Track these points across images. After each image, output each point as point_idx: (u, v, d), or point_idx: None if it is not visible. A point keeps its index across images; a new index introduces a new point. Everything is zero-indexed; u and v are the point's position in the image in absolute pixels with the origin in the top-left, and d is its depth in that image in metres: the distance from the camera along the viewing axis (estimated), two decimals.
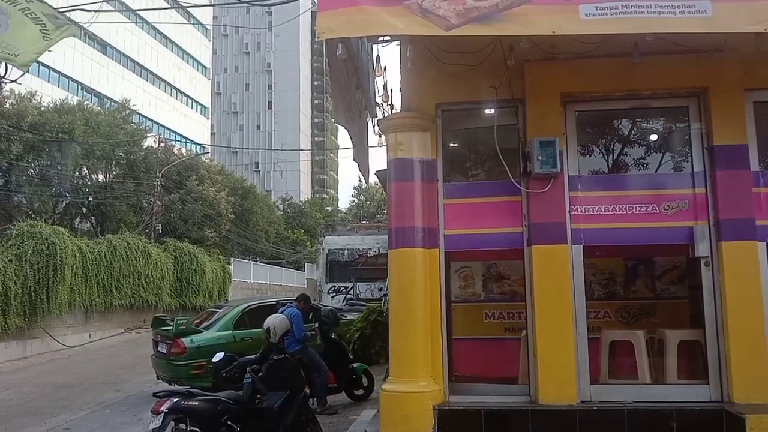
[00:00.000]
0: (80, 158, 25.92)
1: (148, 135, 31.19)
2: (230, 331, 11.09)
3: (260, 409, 6.87)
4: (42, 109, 26.11)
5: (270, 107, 78.17)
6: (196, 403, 6.08)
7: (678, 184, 5.40)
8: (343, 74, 5.61)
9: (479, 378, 6.15)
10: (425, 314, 5.30)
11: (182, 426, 5.91)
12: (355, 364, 9.49)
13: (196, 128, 55.09)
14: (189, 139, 50.18)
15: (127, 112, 32.21)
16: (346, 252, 22.99)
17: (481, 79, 5.41)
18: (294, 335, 9.06)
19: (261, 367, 7.31)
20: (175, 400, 5.95)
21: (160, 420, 5.77)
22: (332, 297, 22.15)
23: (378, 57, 6.33)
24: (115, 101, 35.60)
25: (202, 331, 11.45)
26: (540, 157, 5.18)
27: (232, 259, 30.64)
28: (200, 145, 50.71)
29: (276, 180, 71.75)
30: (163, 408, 5.83)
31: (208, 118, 61.82)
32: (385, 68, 6.40)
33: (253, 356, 7.74)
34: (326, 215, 57.14)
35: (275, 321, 7.41)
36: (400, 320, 5.32)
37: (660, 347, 5.51)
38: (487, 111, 5.62)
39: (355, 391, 9.43)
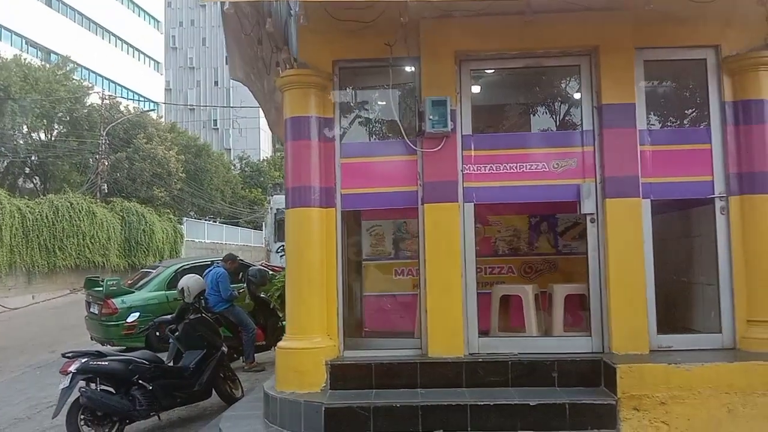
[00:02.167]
0: (18, 116, 24.97)
1: (92, 91, 30.13)
2: (163, 292, 11.07)
3: (175, 368, 6.93)
4: None
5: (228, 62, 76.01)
6: (106, 363, 6.10)
7: (568, 142, 5.48)
8: (239, 27, 5.48)
9: (388, 333, 6.31)
10: (321, 273, 5.35)
11: (93, 386, 5.95)
12: (284, 322, 9.59)
13: (150, 84, 53.37)
14: (142, 96, 48.74)
15: (69, 67, 30.99)
16: None
17: (378, 36, 5.34)
18: (220, 294, 9.12)
19: (177, 327, 7.36)
20: (84, 360, 5.96)
21: (68, 380, 5.78)
22: (281, 256, 22.12)
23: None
24: (61, 56, 34.21)
25: (133, 292, 11.40)
26: (431, 117, 5.20)
27: (185, 218, 30.29)
28: (154, 102, 49.37)
29: (235, 138, 70.41)
30: (72, 368, 5.85)
31: (162, 74, 59.97)
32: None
33: (168, 316, 7.76)
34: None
35: (190, 281, 7.42)
36: (296, 279, 5.38)
37: (551, 301, 5.69)
38: (386, 69, 5.58)
39: None
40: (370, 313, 6.73)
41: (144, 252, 24.99)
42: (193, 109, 70.38)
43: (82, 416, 5.77)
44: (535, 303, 5.60)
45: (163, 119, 39.50)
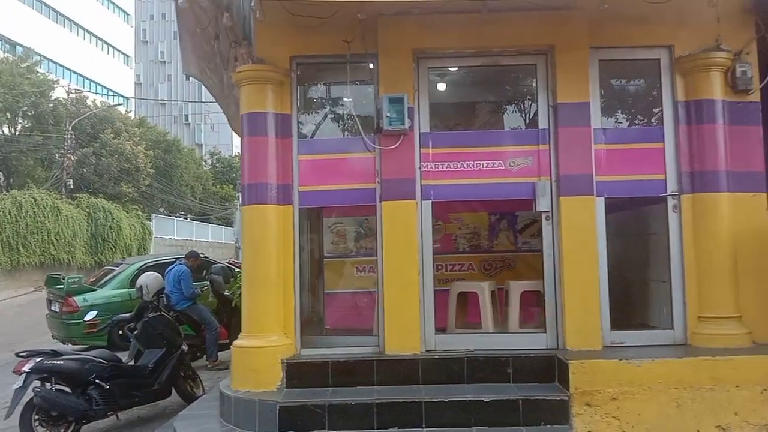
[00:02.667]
0: None
1: (57, 85, 29.48)
2: (126, 289, 10.89)
3: (133, 367, 6.84)
4: None
5: None
6: (61, 362, 5.99)
7: (524, 141, 5.52)
8: (194, 21, 5.41)
9: (349, 330, 6.30)
10: (277, 270, 5.32)
11: (48, 385, 5.83)
12: None
13: (119, 78, 52.40)
14: (111, 90, 47.85)
15: (34, 59, 30.27)
16: None
17: (336, 33, 5.32)
18: (182, 292, 9.02)
19: (136, 326, 7.26)
20: (39, 359, 5.84)
21: (22, 380, 5.66)
22: None
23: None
24: (25, 48, 33.38)
25: (95, 290, 11.22)
26: (389, 114, 5.19)
27: (154, 215, 29.87)
28: (123, 96, 48.49)
29: (207, 133, 69.45)
30: (26, 368, 5.72)
31: (132, 68, 58.95)
32: None
33: (127, 314, 7.65)
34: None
35: (148, 279, 7.32)
36: (252, 277, 5.34)
37: (508, 298, 5.74)
38: (344, 66, 5.55)
39: None
40: (331, 311, 6.70)
41: (111, 249, 24.59)
42: (164, 103, 69.38)
43: (36, 417, 5.66)
44: (491, 300, 5.65)
45: (132, 114, 38.78)
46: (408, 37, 5.36)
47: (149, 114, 55.08)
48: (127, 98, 51.38)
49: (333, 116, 6.07)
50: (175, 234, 31.05)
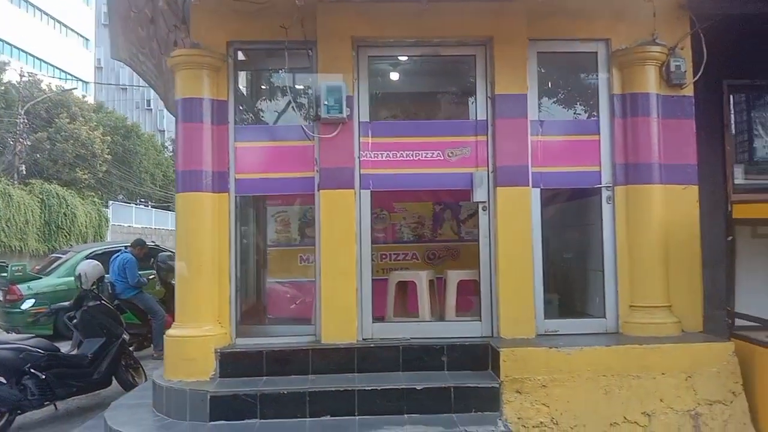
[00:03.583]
0: None
1: (9, 67, 28.50)
2: (72, 278, 10.63)
3: (72, 357, 6.71)
4: None
5: None
6: None
7: (462, 131, 5.53)
8: (127, 4, 5.27)
9: (290, 320, 6.28)
10: (212, 259, 5.25)
11: None
12: None
13: (78, 62, 50.97)
14: (70, 74, 46.53)
15: None
16: None
17: (274, 19, 5.24)
18: (128, 281, 8.88)
19: (76, 314, 7.12)
20: None
21: None
22: None
23: None
24: None
25: (40, 278, 10.98)
26: (327, 102, 5.15)
27: (111, 202, 29.23)
28: (83, 80, 47.24)
29: (169, 119, 68.06)
30: None
31: (91, 51, 57.34)
32: None
33: (66, 303, 7.50)
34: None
35: (87, 267, 7.17)
36: (186, 266, 5.25)
37: (446, 286, 5.78)
38: (282, 52, 5.48)
39: None
40: (274, 301, 6.67)
41: (65, 236, 23.97)
42: (126, 88, 67.71)
43: None
44: (429, 289, 5.68)
45: (90, 98, 37.76)
46: (347, 24, 5.31)
47: (110, 99, 53.78)
48: (87, 83, 50.06)
49: (272, 103, 5.99)
50: (133, 221, 30.43)
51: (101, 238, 26.04)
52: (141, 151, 36.57)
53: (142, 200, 36.46)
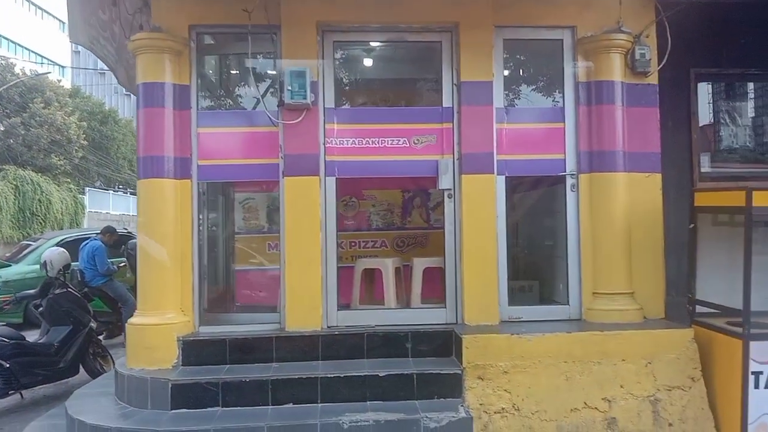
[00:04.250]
0: None
1: None
2: None
3: (38, 345, 6.65)
4: None
5: None
6: None
7: (429, 119, 5.50)
8: None
9: (257, 308, 6.24)
10: (175, 247, 5.19)
11: None
12: None
13: (55, 46, 49.99)
14: (46, 58, 45.65)
15: None
16: None
17: (237, 2, 5.15)
18: (97, 269, 8.78)
19: (42, 302, 7.05)
20: None
21: None
22: None
23: None
24: None
25: (10, 265, 10.83)
26: (290, 88, 5.09)
27: (87, 188, 28.83)
28: (60, 65, 46.37)
29: None
30: None
31: (68, 35, 56.21)
32: None
33: (32, 291, 7.42)
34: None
35: (53, 254, 7.09)
36: (148, 253, 5.19)
37: (412, 274, 5.78)
38: (246, 36, 5.40)
39: None
40: (242, 288, 6.63)
41: (40, 223, 23.62)
42: (104, 73, 66.53)
43: None
44: (396, 276, 5.67)
45: (66, 82, 37.05)
46: (312, 9, 5.25)
47: (88, 83, 52.81)
48: (63, 67, 49.13)
49: (236, 89, 5.92)
50: (111, 208, 30.07)
51: (77, 225, 25.71)
52: (119, 137, 35.99)
53: (121, 187, 35.96)
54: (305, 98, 5.12)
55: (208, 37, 5.49)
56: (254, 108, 5.59)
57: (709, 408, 4.82)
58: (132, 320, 5.20)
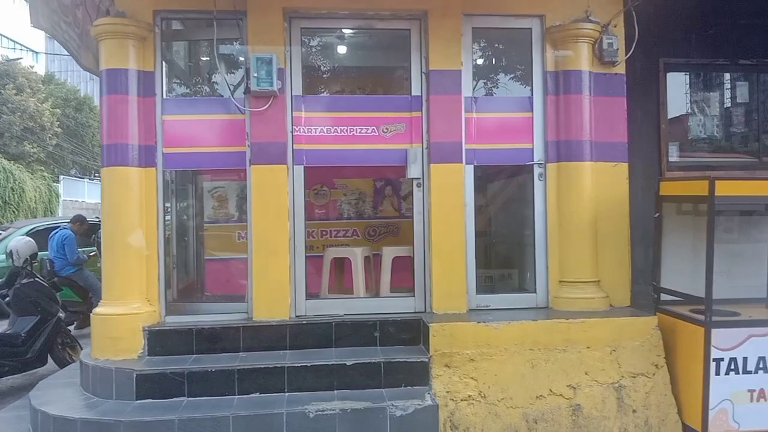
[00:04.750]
0: None
1: None
2: None
3: (4, 336, 6.55)
4: None
5: None
6: None
7: (397, 107, 5.47)
8: None
9: (226, 297, 6.20)
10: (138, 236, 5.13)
11: None
12: None
13: (28, 31, 48.90)
14: (19, 43, 44.65)
15: None
16: None
17: None
18: (67, 258, 8.66)
19: (8, 292, 6.94)
20: None
21: None
22: None
23: None
24: None
25: None
26: (257, 74, 5.03)
27: (62, 176, 28.37)
28: (33, 50, 45.42)
29: None
30: None
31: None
32: None
33: None
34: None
35: (19, 244, 6.98)
36: (112, 242, 5.12)
37: (381, 263, 5.78)
38: (212, 22, 5.32)
39: None
40: (211, 278, 6.59)
41: (13, 212, 23.21)
42: None
43: None
44: (365, 265, 5.67)
45: (40, 68, 36.25)
46: None
47: (63, 69, 51.80)
48: (37, 53, 48.09)
49: (201, 75, 5.83)
50: (86, 196, 29.63)
51: (52, 213, 25.33)
52: (94, 125, 35.28)
53: (97, 175, 35.39)
54: (272, 85, 5.06)
55: (175, 23, 5.40)
56: (221, 95, 5.51)
57: (672, 394, 4.90)
58: (97, 310, 5.13)
